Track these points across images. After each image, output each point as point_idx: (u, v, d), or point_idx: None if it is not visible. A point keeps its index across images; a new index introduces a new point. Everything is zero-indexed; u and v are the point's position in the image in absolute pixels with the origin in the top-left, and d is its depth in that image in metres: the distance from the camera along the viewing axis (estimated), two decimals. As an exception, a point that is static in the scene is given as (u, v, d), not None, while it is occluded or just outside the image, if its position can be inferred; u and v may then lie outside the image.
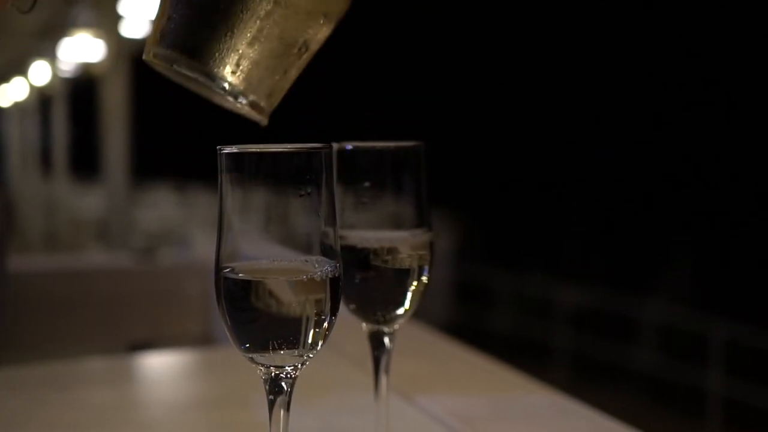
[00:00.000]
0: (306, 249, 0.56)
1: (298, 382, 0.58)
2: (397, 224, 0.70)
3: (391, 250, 0.68)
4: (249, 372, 0.60)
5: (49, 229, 8.81)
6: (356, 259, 0.68)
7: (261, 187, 0.55)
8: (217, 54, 0.63)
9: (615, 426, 0.83)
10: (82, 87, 8.06)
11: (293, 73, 0.68)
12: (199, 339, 1.56)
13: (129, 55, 5.38)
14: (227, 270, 0.56)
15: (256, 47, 0.64)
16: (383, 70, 14.08)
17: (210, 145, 0.58)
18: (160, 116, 13.12)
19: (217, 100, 0.69)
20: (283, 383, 0.57)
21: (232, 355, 0.73)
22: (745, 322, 5.33)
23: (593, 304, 6.50)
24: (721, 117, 10.34)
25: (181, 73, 0.64)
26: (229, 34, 0.63)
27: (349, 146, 0.69)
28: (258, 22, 0.63)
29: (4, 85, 10.89)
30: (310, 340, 0.56)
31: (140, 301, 1.54)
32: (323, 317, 0.56)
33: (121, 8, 5.05)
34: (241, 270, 0.55)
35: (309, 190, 0.55)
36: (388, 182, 0.69)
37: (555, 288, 6.76)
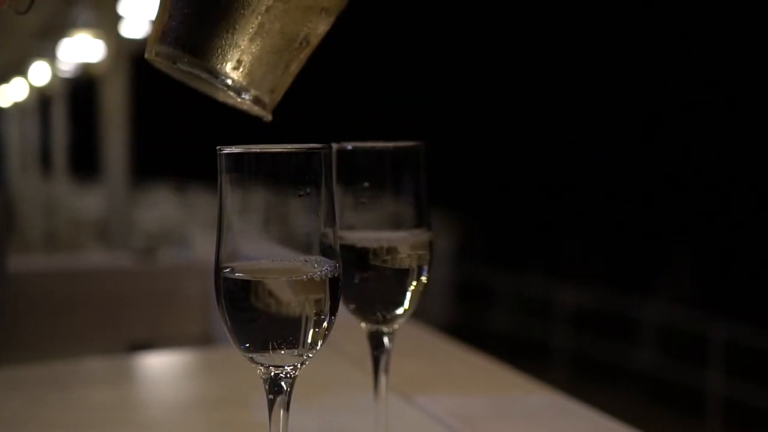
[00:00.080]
0: (305, 249, 0.56)
1: (298, 381, 0.58)
2: (396, 224, 0.70)
3: (391, 250, 0.68)
4: (249, 372, 0.60)
5: (49, 229, 8.80)
6: (356, 259, 0.68)
7: (261, 187, 0.55)
8: (219, 50, 0.64)
9: (615, 426, 0.83)
10: (82, 87, 8.05)
11: (295, 68, 0.68)
12: (199, 339, 1.56)
13: (129, 55, 5.38)
14: (227, 270, 0.56)
15: (257, 43, 0.64)
16: (383, 69, 14.07)
17: (210, 145, 0.58)
18: (160, 116, 13.13)
19: (220, 96, 0.69)
20: (282, 383, 0.57)
21: (232, 355, 0.73)
22: (745, 322, 5.32)
23: (593, 304, 6.50)
24: (721, 117, 10.33)
25: (184, 70, 0.65)
26: (230, 30, 0.63)
27: (348, 146, 0.69)
28: (259, 17, 0.64)
29: (4, 86, 10.88)
30: (309, 340, 0.56)
31: (140, 301, 1.54)
32: (323, 317, 0.56)
33: (121, 8, 5.04)
34: (240, 270, 0.56)
35: (308, 191, 0.55)
36: (387, 182, 0.69)
37: (555, 288, 6.76)
